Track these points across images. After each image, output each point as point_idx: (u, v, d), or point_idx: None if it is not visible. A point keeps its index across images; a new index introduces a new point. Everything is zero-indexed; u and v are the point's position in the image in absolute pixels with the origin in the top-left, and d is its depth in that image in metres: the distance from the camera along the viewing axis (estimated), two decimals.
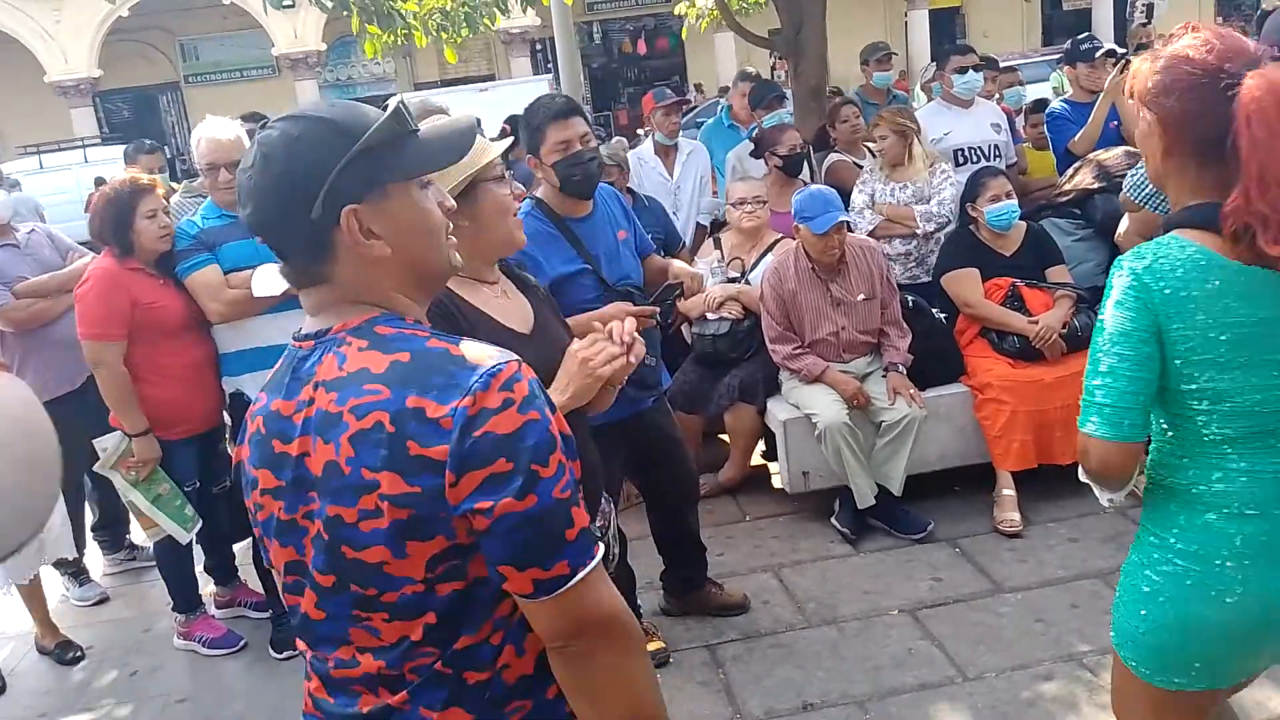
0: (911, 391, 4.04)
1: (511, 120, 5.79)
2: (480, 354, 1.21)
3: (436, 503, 1.16)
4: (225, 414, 3.79)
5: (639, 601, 3.40)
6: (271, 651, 3.71)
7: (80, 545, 4.29)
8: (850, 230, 4.14)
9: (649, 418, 3.21)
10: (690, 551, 3.58)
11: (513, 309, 2.09)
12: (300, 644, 1.41)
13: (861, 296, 4.07)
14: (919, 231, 4.59)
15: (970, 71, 5.02)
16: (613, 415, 2.27)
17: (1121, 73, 5.18)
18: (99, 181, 13.23)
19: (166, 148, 19.52)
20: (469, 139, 1.35)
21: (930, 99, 6.61)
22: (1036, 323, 4.08)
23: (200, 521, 3.67)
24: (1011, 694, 3.01)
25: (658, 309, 2.96)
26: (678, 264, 3.43)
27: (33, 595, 3.88)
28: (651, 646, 3.27)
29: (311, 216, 1.21)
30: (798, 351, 4.09)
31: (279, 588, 1.40)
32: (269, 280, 3.45)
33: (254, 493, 1.33)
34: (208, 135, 3.51)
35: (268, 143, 1.24)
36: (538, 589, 1.19)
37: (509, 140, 2.23)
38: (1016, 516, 3.96)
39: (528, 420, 1.17)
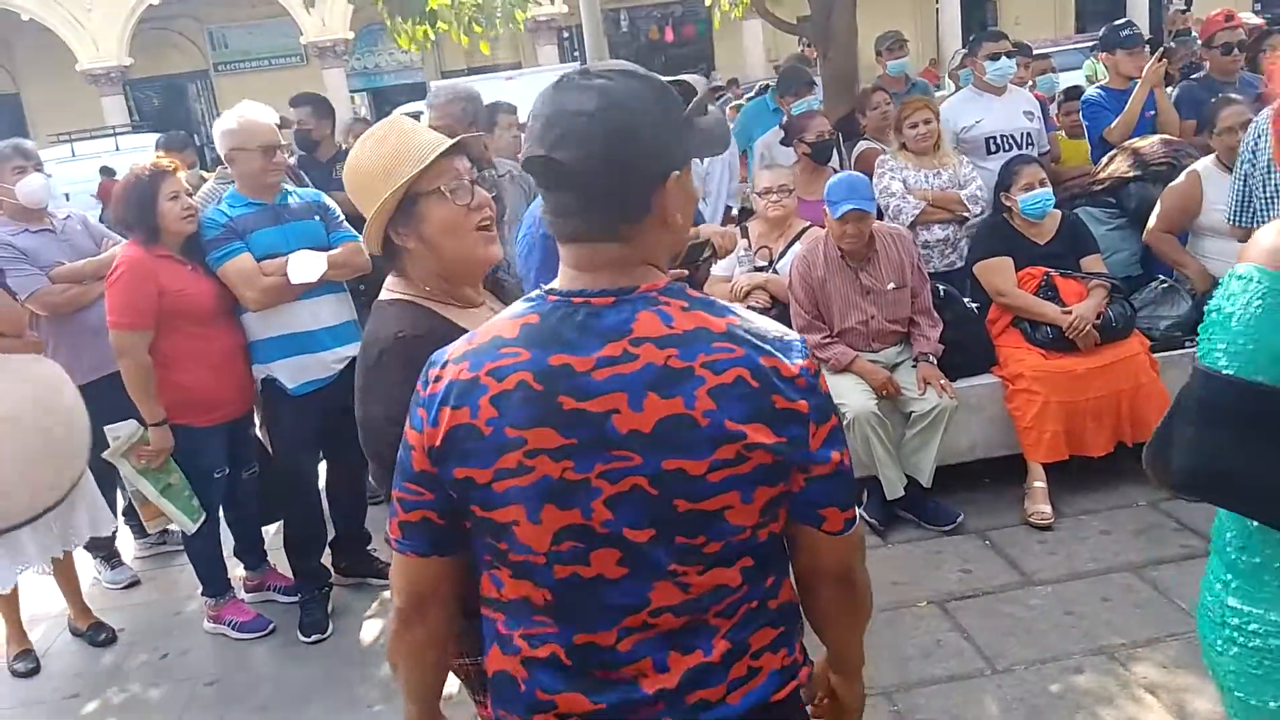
0: (942, 381, 4.00)
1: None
2: (777, 324, 1.35)
3: (799, 450, 1.28)
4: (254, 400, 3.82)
5: None
6: (300, 636, 3.74)
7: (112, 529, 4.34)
8: (881, 217, 4.10)
9: None
10: None
11: None
12: (529, 629, 1.33)
13: (891, 285, 4.03)
14: (967, 215, 4.55)
15: (1003, 58, 4.95)
16: None
17: (1159, 61, 5.11)
18: (104, 171, 13.38)
19: (196, 135, 19.68)
20: (728, 134, 1.41)
21: (958, 86, 6.54)
22: (1070, 313, 4.02)
23: (205, 515, 3.69)
24: (1041, 686, 2.99)
25: (685, 271, 2.90)
26: (707, 226, 3.38)
27: (66, 578, 3.93)
28: None
29: (648, 174, 1.25)
30: (826, 340, 4.06)
31: (551, 555, 1.28)
32: (305, 266, 3.45)
33: (508, 455, 1.24)
34: (256, 119, 3.51)
35: (612, 94, 1.23)
36: (845, 526, 1.36)
37: (450, 141, 1.86)
38: (1048, 509, 3.92)
39: (825, 381, 1.34)
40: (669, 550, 1.27)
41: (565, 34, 23.37)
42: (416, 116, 2.66)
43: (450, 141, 1.86)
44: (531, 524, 1.26)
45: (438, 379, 1.31)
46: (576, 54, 21.41)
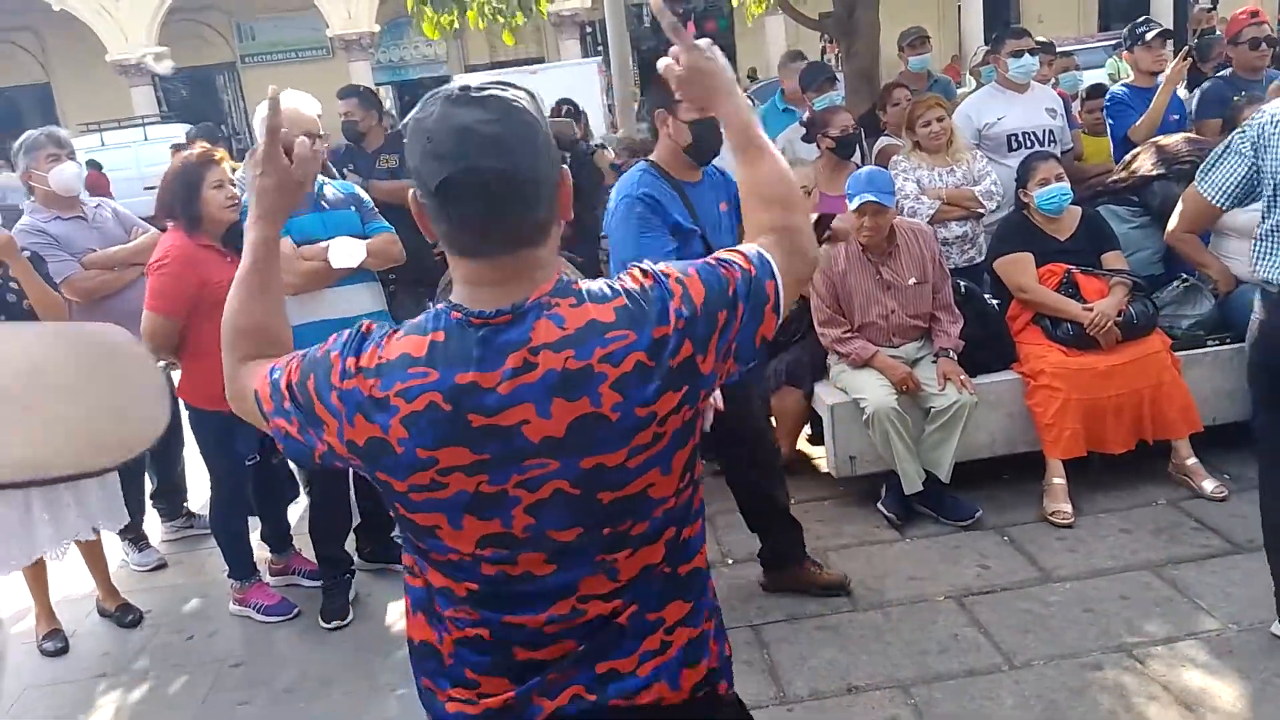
0: (962, 377, 4.00)
1: (565, 103, 5.82)
2: (646, 269, 1.34)
3: (697, 388, 1.30)
4: None
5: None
6: (321, 621, 3.78)
7: (140, 512, 4.41)
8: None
9: (735, 390, 3.15)
10: (780, 524, 3.58)
11: None
12: (455, 612, 1.36)
13: (912, 280, 4.04)
14: (983, 211, 4.57)
15: (1026, 55, 4.94)
16: None
17: (1184, 60, 5.08)
18: (91, 164, 13.45)
19: (223, 126, 19.76)
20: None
21: (980, 83, 6.53)
22: (1091, 310, 4.02)
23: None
24: (1059, 683, 2.99)
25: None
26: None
27: (95, 559, 3.99)
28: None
29: (556, 174, 1.30)
30: (847, 335, 4.07)
31: (470, 562, 1.32)
32: (346, 252, 3.49)
33: (418, 474, 1.27)
34: (300, 108, 3.53)
35: (506, 101, 1.26)
36: (776, 310, 1.38)
37: None
38: (1067, 507, 3.92)
39: (698, 277, 1.33)
40: (596, 543, 1.30)
41: (588, 28, 23.41)
42: None
43: None
44: (454, 529, 1.30)
45: (354, 375, 1.29)
46: (600, 48, 21.39)
